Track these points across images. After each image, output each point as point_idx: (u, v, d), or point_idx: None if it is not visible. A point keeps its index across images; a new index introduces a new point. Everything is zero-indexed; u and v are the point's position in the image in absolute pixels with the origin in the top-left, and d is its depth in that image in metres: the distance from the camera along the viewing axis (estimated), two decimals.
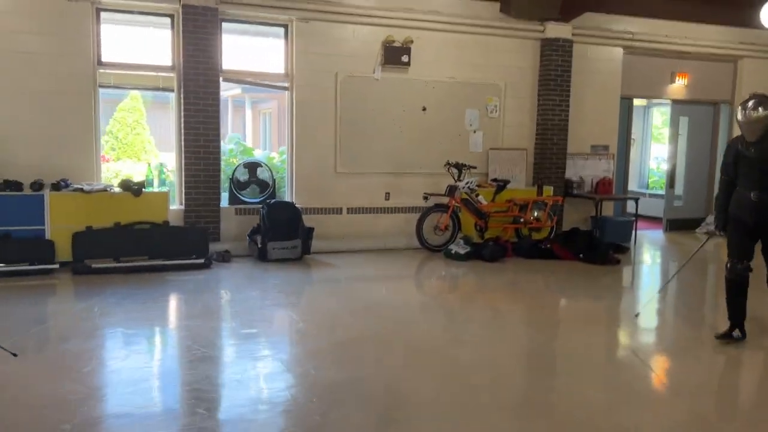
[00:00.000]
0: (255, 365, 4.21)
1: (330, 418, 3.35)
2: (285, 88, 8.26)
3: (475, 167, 8.40)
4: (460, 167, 8.17)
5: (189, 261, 6.90)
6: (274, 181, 8.14)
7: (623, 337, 5.18)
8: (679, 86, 10.44)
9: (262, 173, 8.09)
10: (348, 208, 8.46)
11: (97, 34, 7.38)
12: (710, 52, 10.26)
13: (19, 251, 6.50)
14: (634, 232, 9.44)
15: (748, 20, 8.73)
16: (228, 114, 13.16)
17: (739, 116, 4.50)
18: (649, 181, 13.21)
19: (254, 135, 11.84)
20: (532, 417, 3.52)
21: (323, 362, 4.24)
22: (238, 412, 3.45)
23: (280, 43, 8.17)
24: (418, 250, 8.22)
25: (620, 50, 9.75)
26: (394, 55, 8.42)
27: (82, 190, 6.82)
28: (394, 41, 8.41)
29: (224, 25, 7.87)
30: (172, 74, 7.65)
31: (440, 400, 3.66)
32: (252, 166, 8.06)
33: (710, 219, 10.72)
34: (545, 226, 8.56)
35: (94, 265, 6.57)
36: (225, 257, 7.28)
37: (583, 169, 9.73)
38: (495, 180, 8.59)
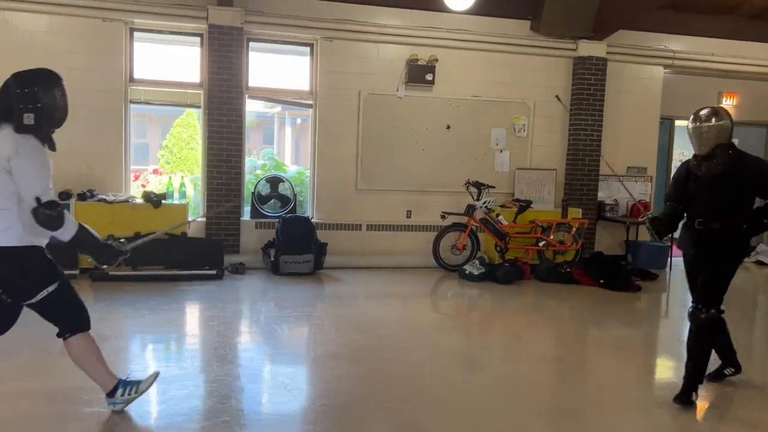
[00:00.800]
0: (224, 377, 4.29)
1: None
2: (309, 106, 8.42)
3: (493, 187, 8.25)
4: (479, 186, 8.06)
5: (202, 272, 7.11)
6: (295, 195, 8.28)
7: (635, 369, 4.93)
8: (727, 107, 9.93)
9: (283, 188, 8.24)
10: (367, 225, 8.49)
11: (129, 52, 7.78)
12: (761, 71, 9.71)
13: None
14: (669, 258, 9.01)
15: None
16: (274, 130, 13.54)
17: (690, 126, 4.00)
18: None
19: (293, 151, 12.12)
20: None
21: (292, 380, 4.26)
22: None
23: (306, 60, 8.35)
24: (435, 269, 8.14)
25: (660, 69, 9.39)
26: (418, 74, 8.43)
27: (105, 200, 7.16)
28: (418, 59, 8.42)
29: (251, 43, 8.14)
30: (199, 91, 7.95)
31: None
32: (274, 181, 8.23)
33: (762, 248, 10.11)
34: (569, 249, 8.30)
35: (111, 272, 6.88)
36: (239, 269, 7.45)
37: (618, 192, 9.37)
38: (517, 200, 8.42)
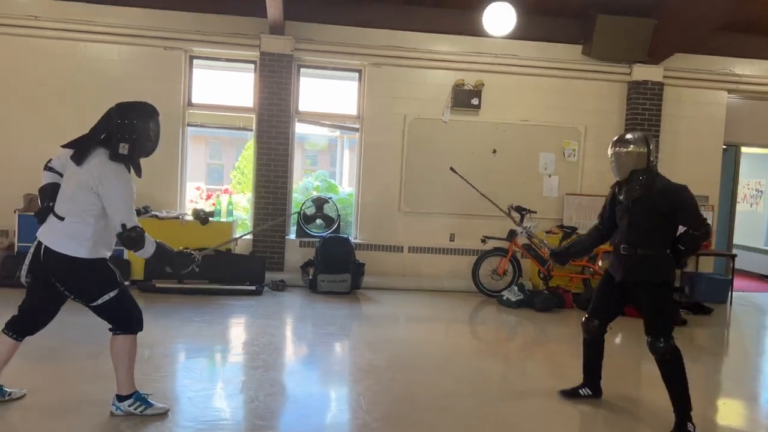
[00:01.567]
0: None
1: None
2: (356, 129, 8.64)
3: (535, 212, 8.11)
4: (521, 211, 7.95)
5: (243, 287, 7.38)
6: (339, 216, 8.46)
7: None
8: None
9: (328, 209, 8.45)
10: (409, 247, 8.55)
11: (188, 78, 8.29)
12: None
13: None
14: (730, 292, 8.49)
15: None
16: (337, 152, 13.94)
17: (609, 151, 4.08)
18: None
19: (350, 173, 12.44)
20: None
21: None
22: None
23: (354, 85, 8.59)
24: (475, 294, 8.06)
25: (724, 94, 8.98)
26: (464, 98, 8.48)
27: (157, 216, 7.62)
28: (464, 84, 8.48)
29: (302, 69, 8.48)
30: (252, 115, 8.34)
31: None
32: (319, 202, 8.46)
33: None
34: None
35: (158, 285, 7.28)
36: (279, 286, 7.68)
37: None
38: (561, 226, 8.23)
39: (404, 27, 8.36)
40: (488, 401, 4.37)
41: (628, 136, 4.06)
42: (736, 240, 9.89)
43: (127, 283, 7.32)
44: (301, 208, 8.39)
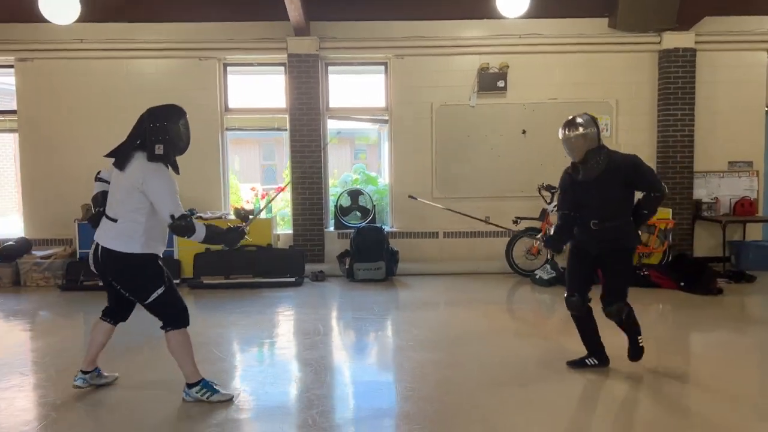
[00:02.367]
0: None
1: None
2: (385, 121, 8.86)
3: None
4: (551, 189, 7.97)
5: (283, 279, 7.78)
6: (374, 207, 8.73)
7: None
8: None
9: (363, 200, 8.73)
10: (444, 232, 8.73)
11: (223, 85, 8.74)
12: None
13: None
14: None
15: None
16: (381, 146, 14.21)
17: (561, 135, 4.26)
18: None
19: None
20: None
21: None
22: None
23: (381, 78, 8.82)
24: (510, 274, 8.17)
25: (763, 54, 8.66)
26: (490, 81, 8.55)
27: (201, 217, 8.10)
28: (488, 68, 8.55)
29: (330, 67, 8.77)
30: (285, 115, 8.70)
31: None
32: (354, 194, 8.75)
33: None
34: (654, 251, 7.91)
35: (205, 281, 7.78)
36: (319, 277, 8.03)
37: (719, 189, 8.75)
38: None
39: (425, 17, 8.50)
40: (534, 381, 4.37)
41: (578, 119, 4.23)
42: None
43: (177, 281, 7.88)
44: (337, 201, 8.71)
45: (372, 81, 9.01)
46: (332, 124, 9.01)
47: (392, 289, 7.63)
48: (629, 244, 4.29)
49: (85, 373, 4.15)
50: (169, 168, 3.88)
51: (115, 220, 3.78)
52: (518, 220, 8.10)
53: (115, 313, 4.15)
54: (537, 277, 7.64)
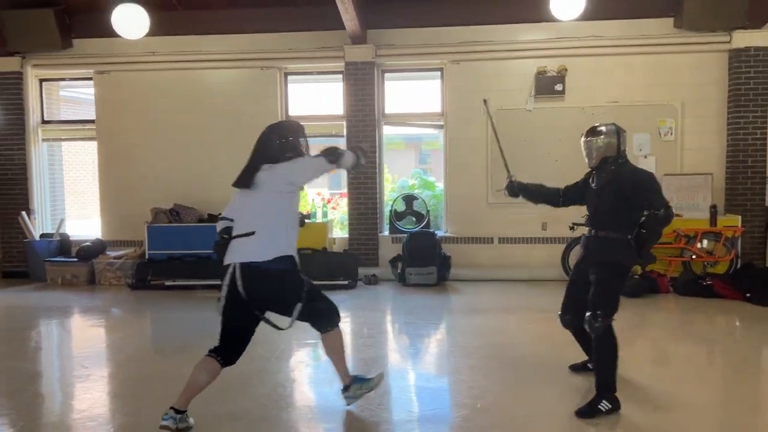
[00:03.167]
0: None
1: None
2: (440, 126, 8.89)
3: None
4: None
5: (337, 282, 7.94)
6: (428, 212, 8.78)
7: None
8: None
9: (417, 205, 8.79)
10: (499, 238, 8.65)
11: (284, 93, 9.03)
12: None
13: (216, 270, 8.25)
14: None
15: None
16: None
17: (582, 140, 4.30)
18: None
19: None
20: None
21: None
22: None
23: (437, 83, 8.86)
24: (566, 281, 7.99)
25: None
26: (547, 85, 8.44)
27: None
28: (546, 71, 8.43)
29: (387, 74, 8.90)
30: (342, 122, 8.89)
31: None
32: (409, 199, 8.82)
33: None
34: (720, 260, 7.55)
35: None
36: (371, 280, 8.15)
37: None
38: None
39: (480, 21, 8.49)
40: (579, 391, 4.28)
41: (601, 127, 4.24)
42: None
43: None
44: (392, 206, 8.81)
45: (428, 86, 9.06)
46: (388, 130, 9.12)
47: (444, 293, 7.66)
48: (617, 259, 4.03)
49: (177, 412, 3.56)
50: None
51: (252, 233, 3.62)
52: (575, 226, 7.91)
53: (228, 353, 3.73)
54: None
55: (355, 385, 3.94)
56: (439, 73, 8.82)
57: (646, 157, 8.42)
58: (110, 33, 7.88)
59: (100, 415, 4.00)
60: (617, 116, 8.34)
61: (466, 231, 8.67)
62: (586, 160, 4.29)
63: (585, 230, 4.32)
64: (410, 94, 9.24)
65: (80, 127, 9.50)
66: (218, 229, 3.90)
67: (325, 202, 9.46)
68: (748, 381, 4.64)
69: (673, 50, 8.32)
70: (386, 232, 8.91)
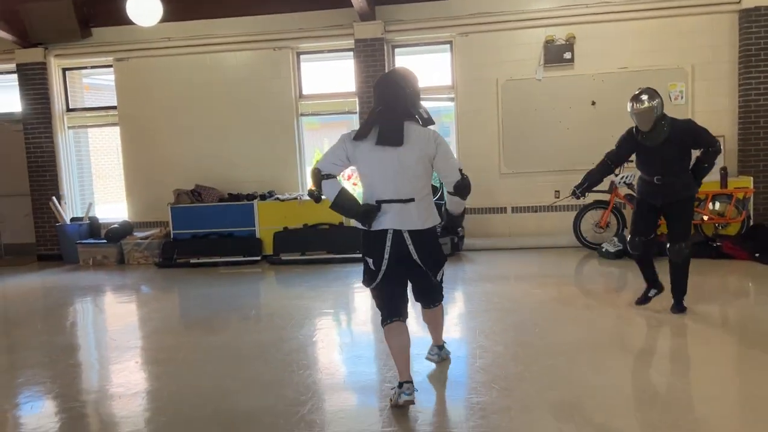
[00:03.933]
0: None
1: None
2: (451, 99, 9.01)
3: (631, 161, 7.90)
4: None
5: (354, 255, 8.19)
6: (441, 184, 8.94)
7: None
8: None
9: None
10: (512, 207, 8.80)
11: (297, 72, 9.22)
12: None
13: (237, 247, 8.63)
14: None
15: None
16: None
17: (630, 109, 4.90)
18: None
19: None
20: None
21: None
22: None
23: (447, 57, 8.96)
24: (579, 248, 8.15)
25: None
26: (555, 54, 8.49)
27: (279, 198, 8.68)
28: (554, 40, 8.48)
29: (397, 49, 9.03)
30: (355, 99, 9.06)
31: None
32: None
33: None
34: (731, 221, 7.61)
35: (284, 257, 8.35)
36: None
37: None
38: None
39: None
40: (610, 352, 4.48)
41: (643, 95, 4.84)
42: None
43: (259, 258, 8.53)
44: None
45: (439, 60, 9.17)
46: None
47: (458, 263, 7.85)
48: (690, 193, 4.95)
49: (402, 385, 3.53)
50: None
51: (412, 200, 3.48)
52: (585, 194, 8.02)
53: (401, 307, 3.68)
54: (604, 250, 7.60)
55: (443, 349, 4.25)
56: (448, 46, 8.92)
57: None
58: (127, 21, 8.11)
59: (130, 382, 4.33)
60: (627, 82, 8.42)
61: (480, 201, 8.82)
62: (641, 126, 4.90)
63: (646, 178, 5.04)
64: (422, 68, 9.34)
65: (104, 114, 9.83)
66: (330, 192, 3.58)
67: (345, 177, 9.69)
68: (753, 340, 4.78)
69: (682, 13, 8.28)
70: None
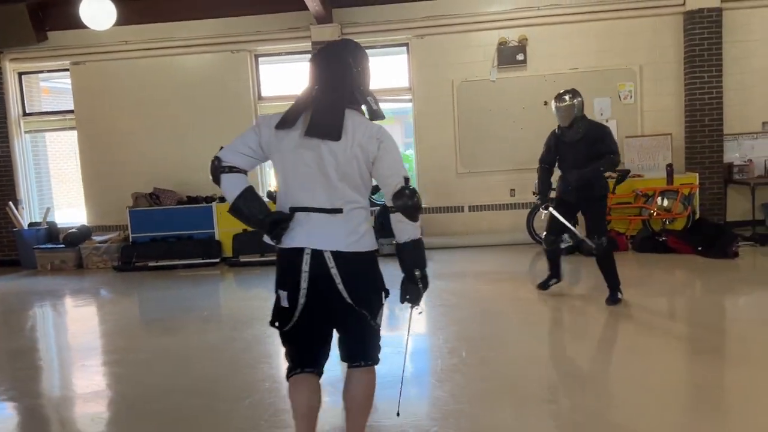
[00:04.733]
0: None
1: None
2: (409, 101, 9.15)
3: None
4: None
5: None
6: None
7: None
8: None
9: None
10: (470, 206, 8.96)
11: (256, 74, 9.28)
12: None
13: (196, 249, 8.65)
14: None
15: None
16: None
17: (553, 105, 5.46)
18: None
19: None
20: None
21: None
22: None
23: (404, 58, 9.09)
24: (533, 245, 8.33)
25: None
26: (509, 55, 8.68)
27: None
28: (507, 42, 8.66)
29: None
30: None
31: None
32: None
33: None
34: (678, 216, 7.86)
35: (242, 259, 8.40)
36: None
37: (752, 151, 8.53)
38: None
39: None
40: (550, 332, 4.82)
41: (567, 94, 5.41)
42: None
43: (218, 260, 8.56)
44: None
45: (396, 61, 9.30)
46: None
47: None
48: (602, 192, 5.41)
49: None
50: None
51: (339, 211, 2.56)
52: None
53: (320, 357, 2.74)
54: None
55: None
56: (405, 48, 9.06)
57: (607, 120, 8.66)
58: (83, 25, 8.09)
59: (81, 384, 4.38)
60: (578, 82, 8.58)
61: (438, 201, 8.98)
62: (561, 122, 5.44)
63: (564, 175, 5.50)
64: (379, 70, 9.46)
65: (61, 118, 9.77)
66: (230, 187, 2.63)
67: None
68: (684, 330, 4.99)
69: (630, 15, 8.53)
70: None
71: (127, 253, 8.66)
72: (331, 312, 2.65)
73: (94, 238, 9.03)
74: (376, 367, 2.75)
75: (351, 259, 2.57)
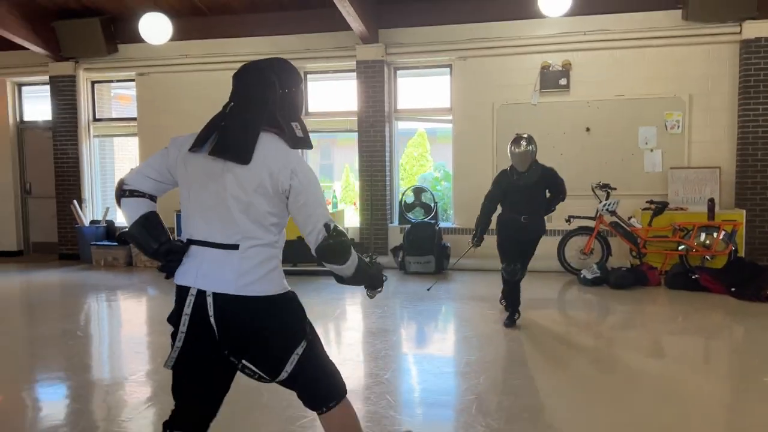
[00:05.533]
0: None
1: None
2: (449, 122, 9.20)
3: (614, 188, 7.91)
4: (607, 188, 7.86)
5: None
6: (435, 203, 9.13)
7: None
8: None
9: (425, 197, 9.17)
10: None
11: (305, 91, 9.59)
12: None
13: None
14: None
15: None
16: None
17: (513, 149, 5.56)
18: None
19: None
20: None
21: None
22: None
23: (447, 80, 9.17)
24: (563, 273, 8.15)
25: None
26: (552, 80, 8.59)
27: None
28: (550, 66, 8.57)
29: (399, 71, 9.31)
30: (355, 118, 9.37)
31: None
32: (418, 191, 9.21)
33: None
34: (718, 254, 7.48)
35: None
36: None
37: None
38: (651, 201, 7.89)
39: (487, 18, 8.73)
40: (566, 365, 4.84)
41: (522, 141, 5.56)
42: None
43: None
44: (402, 197, 9.23)
45: (439, 82, 9.40)
46: (401, 125, 9.53)
47: (441, 282, 7.99)
48: (543, 232, 5.76)
49: None
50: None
51: (234, 247, 2.23)
52: (571, 219, 8.07)
53: (197, 420, 2.40)
54: (582, 276, 7.60)
55: None
56: (448, 69, 9.14)
57: (652, 150, 8.42)
58: None
59: (131, 368, 4.75)
60: (623, 109, 8.49)
61: (472, 222, 8.83)
62: (519, 167, 5.59)
63: (512, 216, 5.67)
64: (423, 89, 9.60)
65: (126, 125, 10.49)
66: (131, 212, 2.44)
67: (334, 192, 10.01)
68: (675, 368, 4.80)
69: (682, 42, 8.26)
70: (396, 223, 9.34)
71: None
72: (213, 368, 2.29)
73: None
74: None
75: (242, 306, 2.20)
